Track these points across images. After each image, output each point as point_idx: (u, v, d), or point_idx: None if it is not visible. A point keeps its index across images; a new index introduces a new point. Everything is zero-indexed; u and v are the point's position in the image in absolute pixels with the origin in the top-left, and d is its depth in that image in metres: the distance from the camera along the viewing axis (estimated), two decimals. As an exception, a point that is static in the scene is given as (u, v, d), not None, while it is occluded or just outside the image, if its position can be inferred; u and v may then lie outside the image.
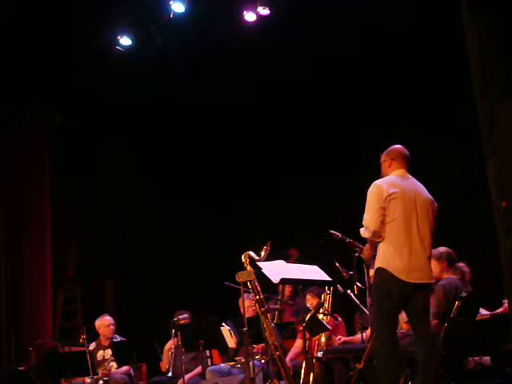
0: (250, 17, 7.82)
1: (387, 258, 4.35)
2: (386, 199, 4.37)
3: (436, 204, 4.60)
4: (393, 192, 4.39)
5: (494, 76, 3.26)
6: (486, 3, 3.17)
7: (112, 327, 7.21)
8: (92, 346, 7.14)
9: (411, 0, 7.10)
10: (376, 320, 4.45)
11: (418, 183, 4.61)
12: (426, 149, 7.32)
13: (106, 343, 7.14)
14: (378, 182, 4.52)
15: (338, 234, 5.32)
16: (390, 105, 7.87)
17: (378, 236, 4.39)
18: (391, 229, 4.37)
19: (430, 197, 4.59)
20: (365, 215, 4.43)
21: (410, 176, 4.61)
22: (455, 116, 7.27)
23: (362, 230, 4.47)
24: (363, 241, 4.73)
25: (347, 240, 5.23)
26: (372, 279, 4.59)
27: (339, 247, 5.56)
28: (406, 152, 4.67)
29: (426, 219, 4.45)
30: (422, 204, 4.47)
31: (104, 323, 7.22)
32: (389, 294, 4.32)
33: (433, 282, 4.61)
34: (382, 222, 4.37)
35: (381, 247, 4.41)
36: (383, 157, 4.71)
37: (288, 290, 7.16)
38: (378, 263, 4.41)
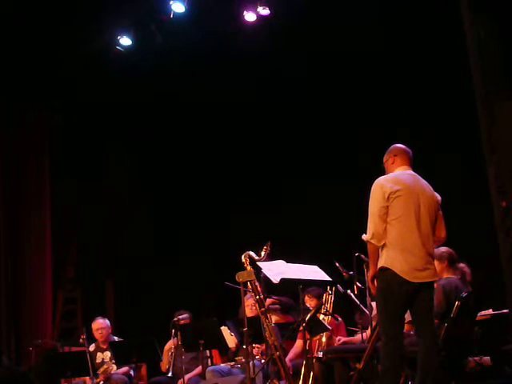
0: (249, 17, 7.82)
1: (391, 257, 4.28)
2: (388, 197, 4.31)
3: (439, 198, 4.55)
4: (396, 189, 4.32)
5: (494, 76, 3.27)
6: (486, 4, 3.18)
7: (101, 331, 7.12)
8: (92, 347, 7.11)
9: (412, 1, 7.10)
10: (381, 321, 4.38)
11: (422, 179, 4.54)
12: (426, 148, 7.32)
13: (104, 346, 7.11)
14: (380, 179, 4.45)
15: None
16: (390, 105, 7.86)
17: (377, 238, 4.30)
18: (394, 227, 4.29)
19: (434, 193, 4.53)
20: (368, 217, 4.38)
21: (414, 172, 4.55)
22: (455, 116, 7.26)
23: (364, 236, 4.39)
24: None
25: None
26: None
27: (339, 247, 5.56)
28: (408, 149, 4.63)
29: (428, 216, 4.39)
30: (426, 200, 4.40)
31: (94, 327, 7.17)
32: (394, 295, 4.26)
33: (437, 279, 4.56)
34: (385, 221, 4.31)
35: (384, 247, 4.33)
36: (385, 156, 4.67)
37: None
38: (381, 262, 4.31)
